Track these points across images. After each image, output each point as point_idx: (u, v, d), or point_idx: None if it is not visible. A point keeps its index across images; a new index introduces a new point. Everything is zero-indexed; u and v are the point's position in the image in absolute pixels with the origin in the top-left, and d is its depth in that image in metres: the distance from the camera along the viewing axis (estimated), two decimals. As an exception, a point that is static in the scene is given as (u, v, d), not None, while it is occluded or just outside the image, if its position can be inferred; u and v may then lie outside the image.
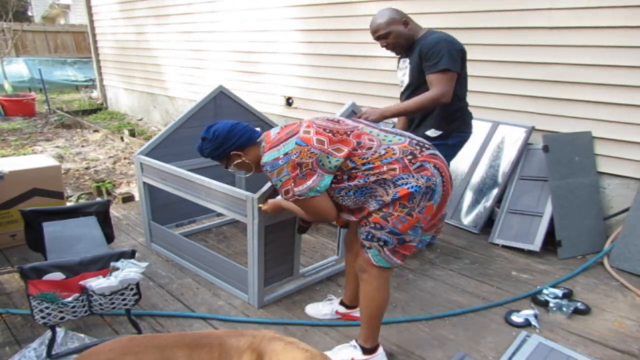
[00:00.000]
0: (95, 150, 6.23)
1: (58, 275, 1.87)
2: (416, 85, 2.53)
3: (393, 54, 2.69)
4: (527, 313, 2.40)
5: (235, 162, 1.92)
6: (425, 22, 2.64)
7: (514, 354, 2.06)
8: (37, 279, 1.83)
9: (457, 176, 3.68)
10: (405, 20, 2.49)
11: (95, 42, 8.73)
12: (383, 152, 1.70)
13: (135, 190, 4.28)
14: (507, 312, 2.43)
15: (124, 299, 2.01)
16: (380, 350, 2.01)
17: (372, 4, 4.19)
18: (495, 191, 3.48)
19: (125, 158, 5.81)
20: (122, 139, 6.65)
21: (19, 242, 3.04)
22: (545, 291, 2.61)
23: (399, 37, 2.49)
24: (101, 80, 9.09)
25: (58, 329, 2.09)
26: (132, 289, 2.01)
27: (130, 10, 7.36)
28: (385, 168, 1.67)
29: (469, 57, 2.55)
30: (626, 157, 3.11)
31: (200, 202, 2.55)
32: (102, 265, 1.97)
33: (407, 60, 2.57)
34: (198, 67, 6.44)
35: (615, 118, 3.10)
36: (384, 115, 2.43)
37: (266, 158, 1.74)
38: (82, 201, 4.12)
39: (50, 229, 2.40)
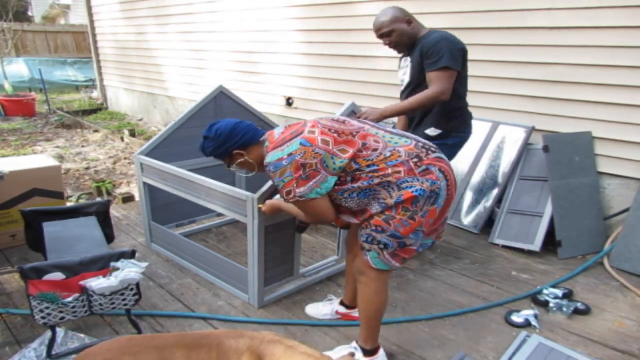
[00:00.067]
0: (95, 150, 6.23)
1: (58, 275, 1.87)
2: (416, 84, 2.53)
3: (393, 54, 2.69)
4: (527, 313, 2.40)
5: (237, 161, 1.91)
6: (425, 22, 2.63)
7: (514, 354, 2.06)
8: (37, 279, 1.83)
9: (457, 176, 3.67)
10: (408, 18, 2.50)
11: (95, 42, 8.73)
12: (388, 154, 1.67)
13: (135, 190, 4.28)
14: (507, 312, 2.43)
15: (124, 299, 2.01)
16: (381, 352, 2.00)
17: (372, 4, 4.19)
18: (495, 191, 3.48)
19: (125, 158, 5.81)
20: (122, 139, 6.65)
21: (19, 242, 3.04)
22: (545, 291, 2.61)
23: (401, 35, 2.49)
24: (101, 80, 9.09)
25: (58, 329, 2.10)
26: (132, 289, 2.01)
27: (131, 10, 7.36)
28: (389, 170, 1.65)
29: (469, 57, 2.55)
30: (626, 157, 3.11)
31: (200, 202, 2.55)
32: (102, 265, 1.97)
33: (409, 59, 2.58)
34: (198, 67, 6.44)
35: (615, 118, 3.10)
36: (383, 114, 2.43)
37: (269, 158, 1.72)
38: (82, 201, 4.12)
39: (50, 229, 2.40)
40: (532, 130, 3.42)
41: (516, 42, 3.42)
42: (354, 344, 2.02)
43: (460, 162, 3.65)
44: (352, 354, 1.57)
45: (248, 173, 1.96)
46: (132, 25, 7.46)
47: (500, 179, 3.48)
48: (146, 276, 2.73)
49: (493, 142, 3.59)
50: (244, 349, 1.26)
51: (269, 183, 2.19)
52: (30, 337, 2.16)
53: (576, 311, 2.45)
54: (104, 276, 1.94)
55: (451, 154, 2.68)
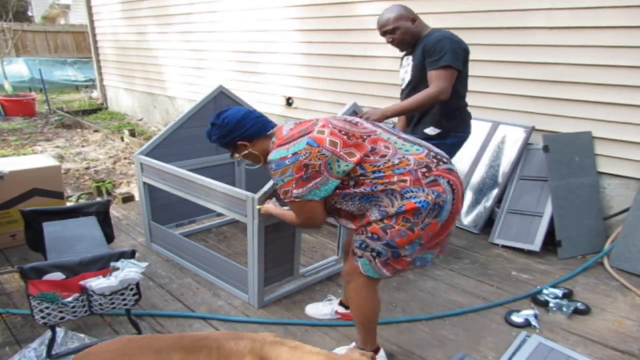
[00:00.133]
0: (95, 150, 6.23)
1: (58, 275, 1.87)
2: (416, 83, 2.53)
3: (393, 54, 2.69)
4: (527, 313, 2.40)
5: (242, 153, 1.88)
6: (425, 22, 2.63)
7: (514, 354, 2.06)
8: (37, 279, 1.83)
9: (457, 176, 3.68)
10: (413, 17, 2.51)
11: (95, 42, 8.73)
12: (397, 161, 1.62)
13: (135, 190, 4.28)
14: (507, 312, 2.43)
15: (124, 299, 2.01)
16: (382, 352, 2.00)
17: (372, 4, 4.19)
18: (495, 191, 3.48)
19: (125, 158, 5.81)
20: (122, 139, 6.65)
21: (19, 242, 3.04)
22: (545, 291, 2.61)
23: (405, 33, 2.50)
24: (101, 80, 9.09)
25: (58, 329, 2.10)
26: (132, 289, 2.01)
27: (131, 10, 7.36)
28: (395, 178, 1.60)
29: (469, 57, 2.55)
30: (626, 157, 3.11)
31: (200, 202, 2.55)
32: (102, 265, 1.97)
33: (410, 58, 2.58)
34: (198, 67, 6.44)
35: (615, 118, 3.10)
36: (385, 115, 2.43)
37: (273, 155, 1.68)
38: (82, 201, 4.12)
39: (50, 229, 2.40)
40: (532, 130, 3.42)
41: (516, 42, 3.42)
42: (354, 344, 2.02)
43: (460, 162, 3.65)
44: (361, 349, 1.55)
45: (253, 165, 1.93)
46: (132, 25, 7.46)
47: (500, 179, 3.48)
48: (146, 276, 2.73)
49: (493, 142, 3.59)
50: (246, 351, 1.23)
51: (270, 183, 2.19)
52: (30, 337, 2.16)
53: (576, 311, 2.45)
54: (104, 276, 1.94)
55: (450, 154, 2.68)
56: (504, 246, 3.25)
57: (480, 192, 3.55)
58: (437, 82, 2.37)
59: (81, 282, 1.90)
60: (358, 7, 4.35)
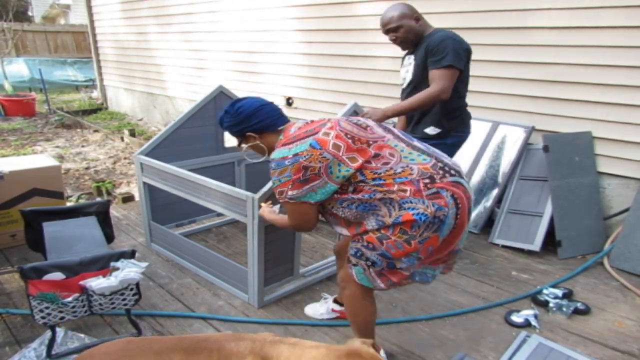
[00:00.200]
0: (95, 150, 6.23)
1: (58, 275, 1.87)
2: (418, 82, 2.53)
3: (393, 55, 2.69)
4: (527, 313, 2.40)
5: (250, 144, 1.88)
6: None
7: (514, 354, 2.06)
8: (37, 279, 1.83)
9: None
10: (417, 16, 2.51)
11: (95, 42, 8.73)
12: (399, 170, 1.57)
13: (135, 190, 4.28)
14: (507, 312, 2.42)
15: (124, 299, 2.01)
16: (382, 353, 2.00)
17: (372, 4, 4.19)
18: (495, 191, 3.48)
19: (125, 158, 5.81)
20: (122, 139, 6.65)
21: (19, 242, 3.04)
22: (545, 291, 2.61)
23: (409, 31, 2.50)
24: (101, 80, 9.09)
25: (58, 329, 2.09)
26: (132, 289, 2.01)
27: (131, 10, 7.36)
28: (395, 187, 1.54)
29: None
30: (626, 157, 3.11)
31: (200, 202, 2.55)
32: (102, 265, 1.97)
33: (412, 57, 2.58)
34: (198, 67, 6.44)
35: (615, 118, 3.10)
36: (386, 114, 2.43)
37: (275, 154, 1.67)
38: (82, 201, 4.12)
39: (50, 229, 2.40)
40: (532, 130, 3.42)
41: (516, 42, 3.42)
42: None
43: (460, 162, 3.63)
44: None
45: (259, 158, 1.92)
46: (133, 26, 7.47)
47: (500, 179, 3.48)
48: (146, 276, 2.73)
49: (493, 142, 3.59)
50: (247, 352, 1.23)
51: (270, 183, 2.18)
52: (30, 337, 2.16)
53: (576, 311, 2.45)
54: (104, 276, 1.94)
55: (450, 154, 2.68)
56: (504, 246, 3.25)
57: (480, 192, 3.55)
58: (438, 81, 2.37)
59: (81, 282, 1.90)
60: (358, 7, 4.35)
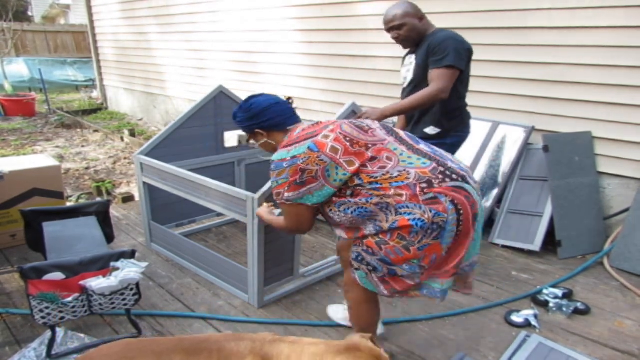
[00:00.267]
0: (95, 150, 6.23)
1: (58, 275, 1.87)
2: (419, 82, 2.53)
3: (393, 55, 2.69)
4: (527, 313, 2.40)
5: (259, 142, 1.90)
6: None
7: (514, 354, 2.06)
8: (37, 279, 1.84)
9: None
10: (420, 15, 2.52)
11: (95, 42, 8.73)
12: (396, 174, 1.53)
13: (135, 190, 4.28)
14: (507, 312, 2.42)
15: (124, 299, 2.01)
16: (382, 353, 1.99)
17: (372, 4, 4.19)
18: (495, 191, 3.48)
19: (125, 158, 5.81)
20: (122, 139, 6.65)
21: (19, 242, 3.04)
22: (545, 291, 2.61)
23: (412, 30, 2.50)
24: (101, 80, 9.09)
25: (58, 329, 2.09)
26: (132, 289, 2.01)
27: (131, 11, 7.36)
28: (392, 192, 1.51)
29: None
30: (626, 157, 3.11)
31: (200, 202, 2.55)
32: (102, 265, 1.97)
33: (413, 57, 2.58)
34: (198, 67, 6.44)
35: (615, 118, 3.10)
36: (384, 114, 2.43)
37: (275, 155, 1.68)
38: (82, 201, 4.12)
39: (50, 229, 2.40)
40: (532, 130, 3.42)
41: (516, 42, 3.42)
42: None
43: (460, 162, 3.65)
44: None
45: (266, 155, 1.93)
46: (132, 26, 7.47)
47: (500, 179, 3.48)
48: (146, 276, 2.73)
49: (493, 142, 3.59)
50: (247, 352, 1.24)
51: (270, 183, 2.19)
52: (30, 337, 2.16)
53: (576, 311, 2.45)
54: (104, 276, 1.94)
55: (450, 154, 2.68)
56: (504, 246, 3.25)
57: (480, 192, 3.55)
58: (437, 81, 2.37)
59: (81, 282, 1.90)
60: (358, 7, 4.35)
